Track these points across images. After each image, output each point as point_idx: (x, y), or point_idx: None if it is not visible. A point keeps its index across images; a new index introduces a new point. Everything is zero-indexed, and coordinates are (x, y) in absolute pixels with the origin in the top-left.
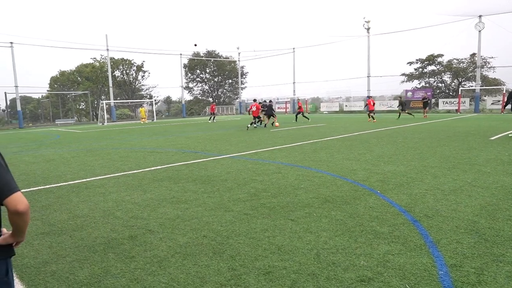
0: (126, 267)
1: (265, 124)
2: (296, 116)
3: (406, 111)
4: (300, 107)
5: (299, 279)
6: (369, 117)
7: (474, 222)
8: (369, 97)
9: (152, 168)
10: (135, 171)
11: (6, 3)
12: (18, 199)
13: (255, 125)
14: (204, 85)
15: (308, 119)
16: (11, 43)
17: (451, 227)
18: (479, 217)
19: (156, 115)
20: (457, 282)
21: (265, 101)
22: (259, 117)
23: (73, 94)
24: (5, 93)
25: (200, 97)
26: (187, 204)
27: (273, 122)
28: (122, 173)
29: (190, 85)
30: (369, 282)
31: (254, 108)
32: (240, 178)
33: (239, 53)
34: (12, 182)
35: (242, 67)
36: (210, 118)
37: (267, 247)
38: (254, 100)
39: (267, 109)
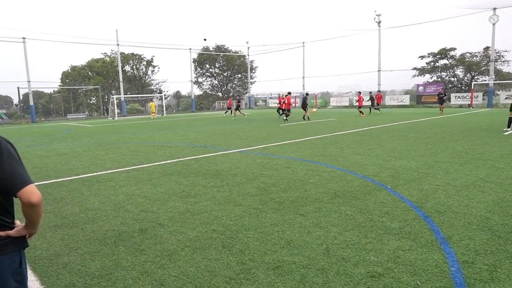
0: (137, 260)
1: (308, 117)
2: (282, 111)
3: (374, 107)
4: (280, 103)
5: (309, 274)
6: (360, 113)
7: (487, 219)
8: (359, 92)
9: (162, 162)
10: (145, 165)
11: None
12: (32, 191)
13: (285, 118)
14: (213, 80)
15: (280, 116)
16: (24, 38)
17: (463, 223)
18: (492, 213)
19: (165, 109)
20: (469, 278)
21: (304, 93)
22: (284, 109)
23: (84, 89)
24: (18, 87)
25: (209, 92)
26: (196, 198)
27: (304, 116)
28: (133, 167)
29: (200, 79)
30: (379, 278)
31: (286, 101)
32: (249, 173)
33: (248, 48)
34: (25, 174)
35: (252, 61)
36: (232, 112)
37: (277, 242)
38: (289, 93)
39: (302, 102)
